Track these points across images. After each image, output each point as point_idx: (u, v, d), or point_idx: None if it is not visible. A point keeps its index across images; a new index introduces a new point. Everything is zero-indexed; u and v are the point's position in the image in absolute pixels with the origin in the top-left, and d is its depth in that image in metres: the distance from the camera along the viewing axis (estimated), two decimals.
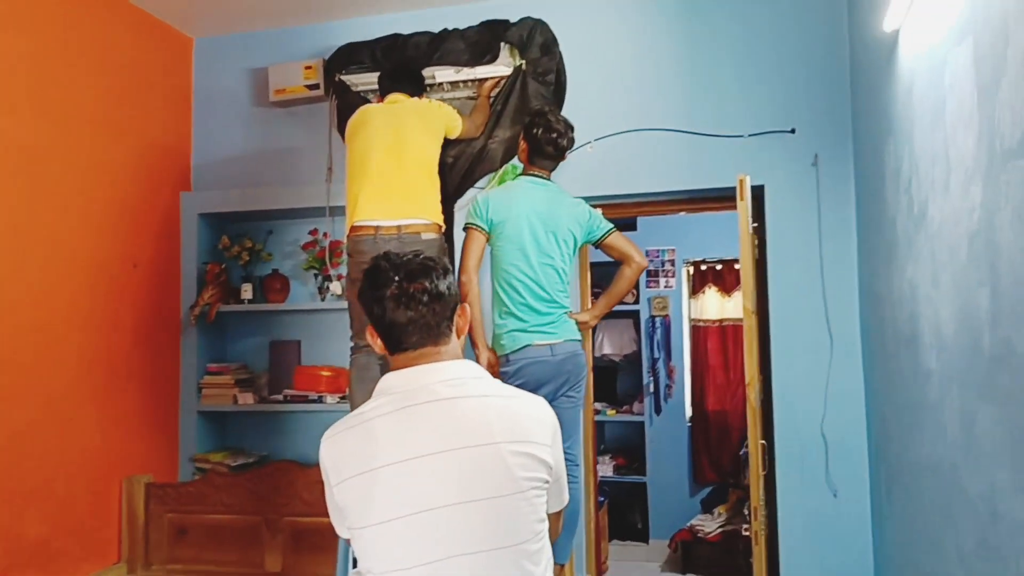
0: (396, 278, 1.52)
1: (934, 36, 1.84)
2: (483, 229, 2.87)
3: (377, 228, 2.91)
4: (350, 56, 3.72)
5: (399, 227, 2.91)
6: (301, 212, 3.86)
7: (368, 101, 3.52)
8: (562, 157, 2.96)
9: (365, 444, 1.46)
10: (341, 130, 3.70)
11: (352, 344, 3.09)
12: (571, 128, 2.94)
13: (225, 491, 3.54)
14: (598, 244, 3.00)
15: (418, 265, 1.55)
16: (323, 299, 3.83)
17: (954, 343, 1.75)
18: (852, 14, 3.26)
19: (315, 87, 3.80)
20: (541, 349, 2.80)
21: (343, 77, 3.69)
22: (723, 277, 6.10)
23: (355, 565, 2.82)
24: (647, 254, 5.78)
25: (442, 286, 1.53)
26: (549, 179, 2.96)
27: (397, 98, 3.17)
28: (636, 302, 6.01)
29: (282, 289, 3.90)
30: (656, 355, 6.00)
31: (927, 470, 2.08)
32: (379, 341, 1.57)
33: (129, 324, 3.55)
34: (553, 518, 1.62)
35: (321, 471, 1.54)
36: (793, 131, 3.36)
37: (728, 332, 6.08)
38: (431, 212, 3.00)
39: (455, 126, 3.20)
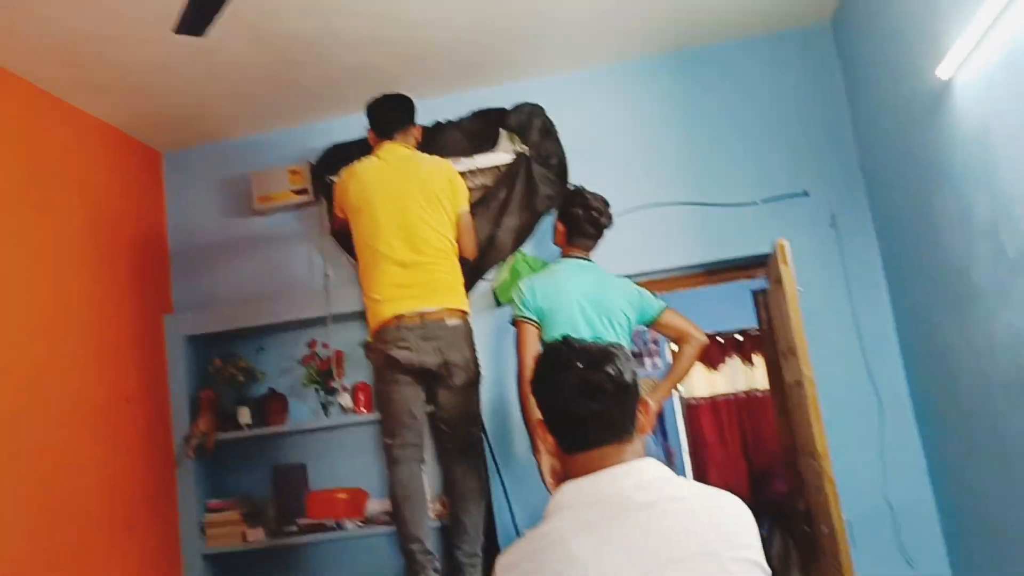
0: (578, 364, 1.34)
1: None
2: (533, 320, 2.68)
3: (400, 317, 2.70)
4: (339, 156, 3.55)
5: (421, 315, 2.70)
6: (294, 324, 3.61)
7: None
8: (601, 235, 2.83)
9: (562, 568, 1.22)
10: (337, 234, 3.51)
11: (388, 444, 2.79)
12: (608, 205, 2.82)
13: None
14: (652, 324, 2.83)
15: (600, 350, 1.37)
16: (328, 415, 3.55)
17: None
18: (847, 73, 3.30)
19: (303, 191, 3.62)
20: None
21: (334, 179, 3.51)
22: (707, 352, 6.02)
23: None
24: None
25: (627, 375, 1.35)
26: (590, 259, 2.82)
27: (393, 150, 2.89)
28: None
29: (283, 409, 3.59)
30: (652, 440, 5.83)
31: None
32: (551, 438, 1.37)
33: (124, 468, 3.18)
34: None
35: None
36: (807, 194, 3.33)
37: (721, 407, 5.98)
38: (453, 298, 2.78)
39: (464, 215, 2.90)
